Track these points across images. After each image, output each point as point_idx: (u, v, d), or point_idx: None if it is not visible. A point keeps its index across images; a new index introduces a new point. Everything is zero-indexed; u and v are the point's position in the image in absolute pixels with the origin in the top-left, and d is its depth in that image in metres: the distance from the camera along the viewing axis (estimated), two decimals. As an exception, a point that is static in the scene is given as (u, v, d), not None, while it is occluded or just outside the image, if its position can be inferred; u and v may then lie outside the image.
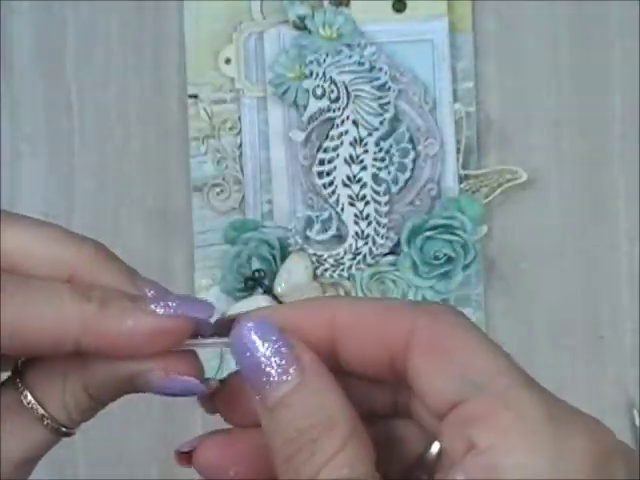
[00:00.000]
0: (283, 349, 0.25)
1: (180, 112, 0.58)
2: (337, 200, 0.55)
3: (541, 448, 0.23)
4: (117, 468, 0.59)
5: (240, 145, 0.57)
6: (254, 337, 0.25)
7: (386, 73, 0.55)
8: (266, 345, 0.25)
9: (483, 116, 0.58)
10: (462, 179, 0.57)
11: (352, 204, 0.55)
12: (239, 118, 0.57)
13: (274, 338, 0.25)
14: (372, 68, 0.55)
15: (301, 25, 0.56)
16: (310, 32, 0.55)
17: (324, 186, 0.55)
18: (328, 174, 0.55)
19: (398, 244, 0.56)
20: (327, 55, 0.55)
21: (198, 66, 0.57)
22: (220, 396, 0.28)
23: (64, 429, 0.27)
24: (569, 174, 0.58)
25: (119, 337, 0.25)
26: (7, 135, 0.59)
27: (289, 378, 0.25)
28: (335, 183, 0.55)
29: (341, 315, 0.27)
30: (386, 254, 0.56)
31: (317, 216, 0.56)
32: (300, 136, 0.55)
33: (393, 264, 0.56)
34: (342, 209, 0.55)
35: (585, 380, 0.59)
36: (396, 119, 0.56)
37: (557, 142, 0.58)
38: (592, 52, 0.58)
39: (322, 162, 0.55)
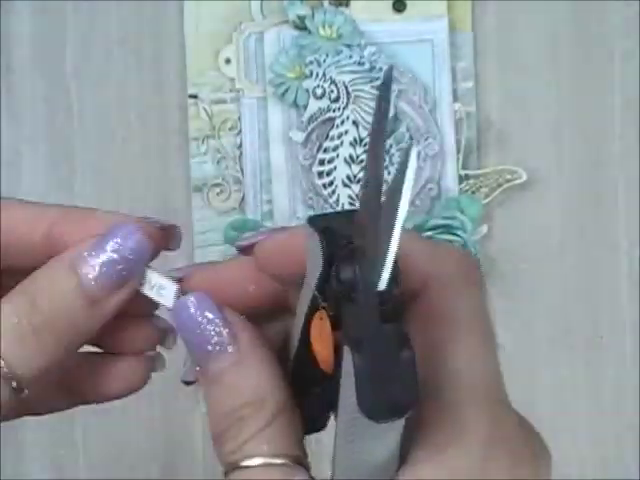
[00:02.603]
0: (221, 328, 0.26)
1: (180, 112, 0.58)
2: (337, 200, 0.55)
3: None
4: (117, 468, 0.59)
5: (240, 145, 0.57)
6: (194, 313, 0.26)
7: (386, 73, 0.55)
8: (205, 322, 0.26)
9: (483, 116, 0.58)
10: (462, 179, 0.57)
11: (352, 204, 0.55)
12: (239, 118, 0.57)
13: (212, 316, 0.26)
14: (372, 68, 0.55)
15: (301, 25, 0.56)
16: (310, 32, 0.55)
17: (324, 186, 0.55)
18: (328, 174, 0.55)
19: (398, 244, 0.56)
20: (327, 55, 0.55)
21: (198, 66, 0.57)
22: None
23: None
24: (569, 174, 0.58)
25: (90, 221, 0.29)
26: (7, 135, 0.59)
27: (226, 356, 0.25)
28: (335, 183, 0.55)
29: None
30: (386, 254, 0.56)
31: (317, 216, 0.56)
32: (300, 136, 0.55)
33: (393, 264, 0.56)
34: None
35: (585, 380, 0.59)
36: (396, 119, 0.56)
37: (557, 142, 0.58)
38: (592, 52, 0.58)
39: (322, 162, 0.55)
